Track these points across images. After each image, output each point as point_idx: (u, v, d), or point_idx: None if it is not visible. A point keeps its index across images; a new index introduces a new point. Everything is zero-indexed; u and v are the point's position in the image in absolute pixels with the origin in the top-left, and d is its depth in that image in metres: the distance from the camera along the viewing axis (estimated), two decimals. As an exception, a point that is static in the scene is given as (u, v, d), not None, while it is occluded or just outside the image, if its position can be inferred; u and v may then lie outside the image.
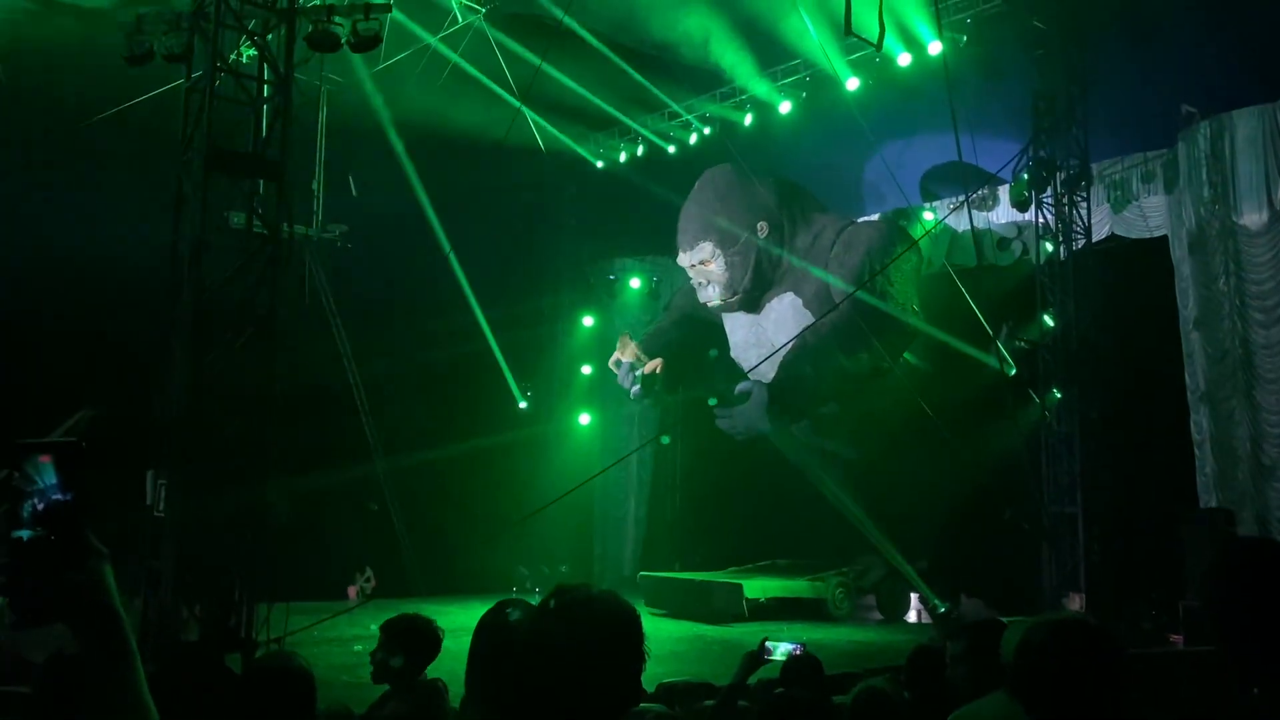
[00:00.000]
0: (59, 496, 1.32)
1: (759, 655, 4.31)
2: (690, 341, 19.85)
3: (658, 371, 19.02)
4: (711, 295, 18.67)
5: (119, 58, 12.41)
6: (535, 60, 14.42)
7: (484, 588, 17.89)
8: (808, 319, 17.45)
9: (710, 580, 17.44)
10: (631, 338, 19.60)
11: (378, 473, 17.91)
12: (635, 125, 20.03)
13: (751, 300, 18.58)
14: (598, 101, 18.31)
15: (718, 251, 18.20)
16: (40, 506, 1.31)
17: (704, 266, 18.43)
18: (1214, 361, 14.08)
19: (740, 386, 17.80)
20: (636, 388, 19.15)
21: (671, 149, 19.84)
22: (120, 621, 1.33)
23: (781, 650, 4.34)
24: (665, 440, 20.51)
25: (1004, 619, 4.29)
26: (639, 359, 19.15)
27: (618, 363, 19.20)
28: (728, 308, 18.87)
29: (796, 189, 18.82)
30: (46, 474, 1.32)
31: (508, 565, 19.84)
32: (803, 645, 4.45)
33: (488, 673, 2.24)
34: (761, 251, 18.20)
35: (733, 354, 19.21)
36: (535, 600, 1.89)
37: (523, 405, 20.42)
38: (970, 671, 3.56)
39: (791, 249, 18.30)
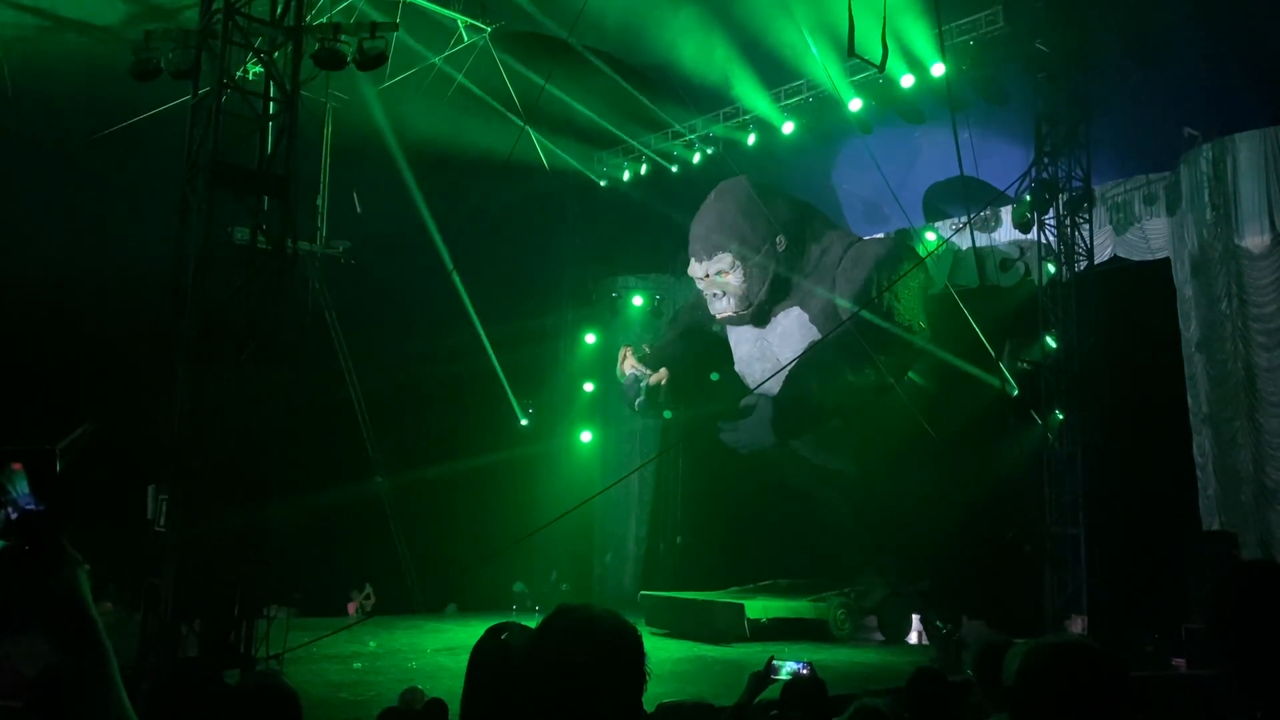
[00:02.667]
0: (32, 506, 1.32)
1: (765, 676, 4.27)
2: (695, 355, 19.87)
3: (662, 383, 19.02)
4: (725, 307, 18.64)
5: (126, 73, 12.49)
6: (540, 79, 14.48)
7: (484, 605, 17.87)
8: (814, 334, 17.48)
9: (712, 600, 17.37)
10: (633, 351, 19.64)
11: (379, 489, 17.89)
12: (639, 144, 20.12)
13: (760, 314, 18.61)
14: (602, 121, 18.39)
15: (737, 262, 18.16)
16: (14, 516, 1.31)
17: (721, 277, 18.37)
18: (1216, 384, 14.06)
19: (745, 400, 17.81)
20: (640, 399, 19.14)
21: (675, 168, 19.91)
22: (96, 627, 1.33)
23: (787, 670, 4.30)
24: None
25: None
26: (640, 372, 19.16)
27: (623, 375, 19.26)
28: (737, 320, 18.87)
29: (806, 206, 18.90)
30: (19, 483, 1.32)
31: (508, 583, 19.80)
32: (810, 665, 4.40)
33: (484, 697, 2.23)
34: (779, 265, 18.23)
35: (737, 367, 19.22)
36: (535, 619, 1.88)
37: (524, 423, 20.42)
38: (984, 695, 3.55)
39: (801, 264, 18.36)
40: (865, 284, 17.11)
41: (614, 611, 1.79)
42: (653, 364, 19.35)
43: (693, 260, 18.71)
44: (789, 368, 16.39)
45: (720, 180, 18.82)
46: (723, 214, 18.42)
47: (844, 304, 17.18)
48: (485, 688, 2.21)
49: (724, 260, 18.22)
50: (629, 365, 19.26)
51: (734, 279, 18.26)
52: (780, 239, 18.14)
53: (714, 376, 19.33)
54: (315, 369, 15.33)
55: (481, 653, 2.25)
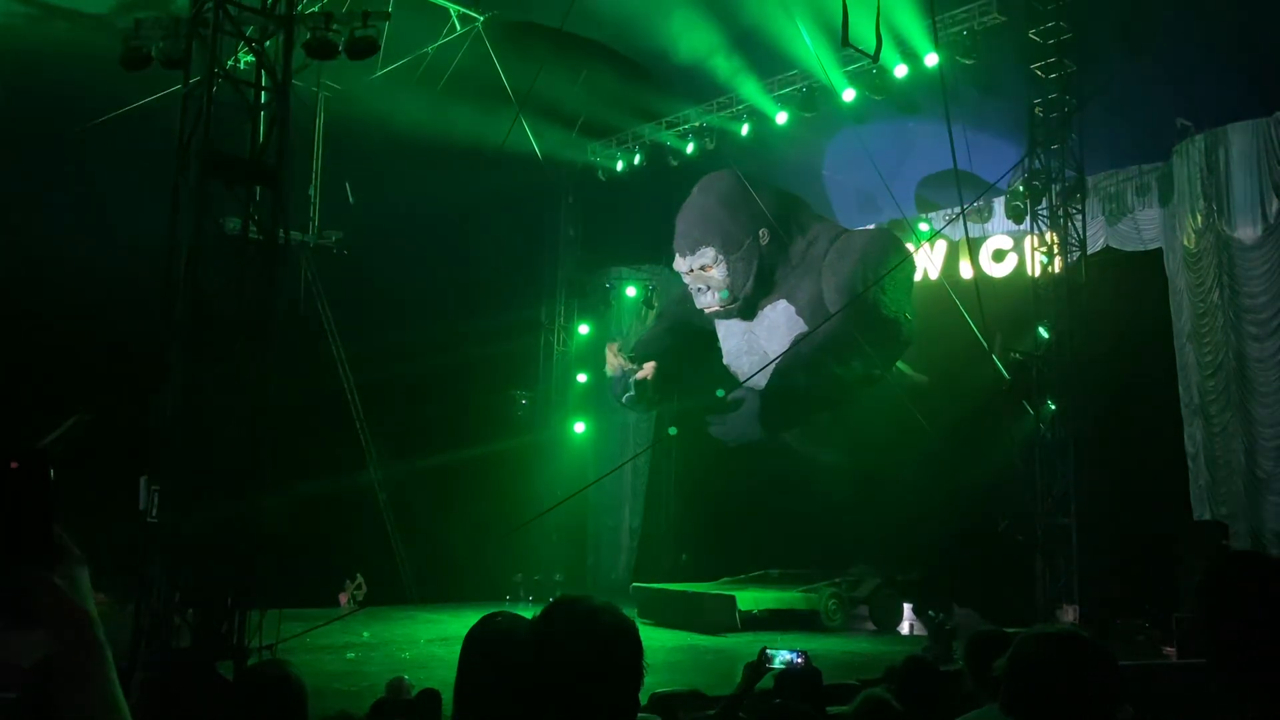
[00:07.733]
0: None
1: (760, 665, 4.29)
2: (683, 349, 19.81)
3: (649, 377, 19.00)
4: (710, 301, 18.54)
5: (116, 62, 12.41)
6: (533, 68, 14.44)
7: (478, 595, 17.88)
8: (801, 326, 17.45)
9: (703, 592, 17.41)
10: (620, 347, 19.58)
11: (373, 480, 17.86)
12: (633, 134, 20.07)
13: (747, 307, 18.56)
14: (598, 105, 18.35)
15: (720, 257, 18.04)
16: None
17: (704, 272, 18.27)
18: (1207, 374, 14.12)
19: (733, 394, 17.81)
20: (629, 394, 19.11)
21: (669, 159, 19.87)
22: (93, 621, 1.33)
23: (780, 659, 4.32)
24: (673, 431, 20.43)
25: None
26: (627, 367, 19.12)
27: (611, 370, 19.24)
28: (724, 314, 18.82)
29: (793, 197, 18.83)
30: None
31: (501, 573, 19.82)
32: (805, 655, 4.42)
33: (479, 685, 2.22)
34: (764, 258, 18.16)
35: (725, 361, 19.17)
36: (530, 609, 1.88)
37: (524, 402, 20.44)
38: (975, 684, 3.57)
39: (786, 256, 18.31)
40: (851, 275, 17.07)
41: (614, 605, 1.80)
42: (641, 359, 19.32)
43: (677, 255, 18.59)
44: (776, 362, 16.39)
45: (714, 170, 18.77)
46: (705, 209, 18.32)
47: (831, 296, 17.16)
48: (480, 676, 2.20)
49: (707, 255, 18.12)
50: (616, 361, 19.22)
51: (717, 273, 18.16)
52: (763, 232, 18.06)
53: (720, 393, 19.15)
54: (308, 359, 15.30)
55: (476, 640, 2.25)
